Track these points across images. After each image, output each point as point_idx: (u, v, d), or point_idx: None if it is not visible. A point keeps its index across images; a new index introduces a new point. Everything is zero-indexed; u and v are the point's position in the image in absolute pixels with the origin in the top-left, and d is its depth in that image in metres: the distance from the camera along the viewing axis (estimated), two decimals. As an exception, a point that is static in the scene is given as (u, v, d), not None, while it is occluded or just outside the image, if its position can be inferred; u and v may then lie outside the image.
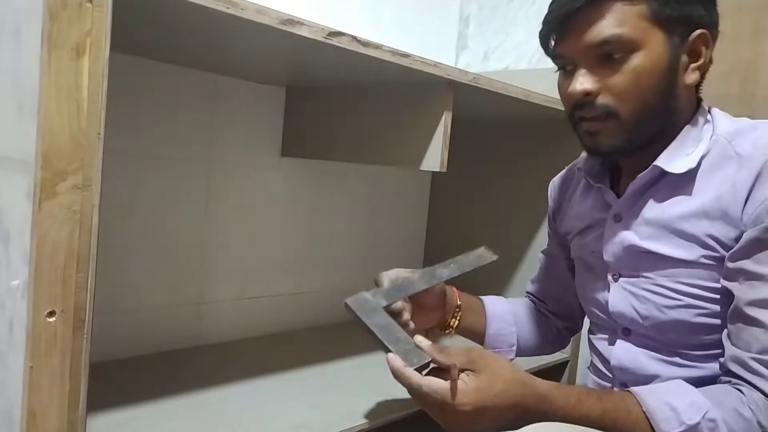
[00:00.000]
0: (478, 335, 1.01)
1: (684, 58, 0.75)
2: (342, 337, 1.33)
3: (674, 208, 0.77)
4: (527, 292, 1.11)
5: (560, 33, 0.77)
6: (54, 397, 0.55)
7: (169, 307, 1.15)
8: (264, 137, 1.26)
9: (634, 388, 0.73)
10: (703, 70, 0.78)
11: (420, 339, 0.74)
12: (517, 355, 1.02)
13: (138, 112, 1.06)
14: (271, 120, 1.27)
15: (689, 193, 0.76)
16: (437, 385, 0.69)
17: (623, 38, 0.72)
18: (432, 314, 0.93)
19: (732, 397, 0.70)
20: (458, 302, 0.97)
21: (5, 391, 0.58)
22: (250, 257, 1.28)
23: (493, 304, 1.03)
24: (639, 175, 0.79)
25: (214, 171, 1.19)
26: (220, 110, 1.18)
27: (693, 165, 0.75)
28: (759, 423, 0.68)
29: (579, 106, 0.77)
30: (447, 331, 0.98)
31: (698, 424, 0.67)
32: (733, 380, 0.72)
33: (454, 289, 0.98)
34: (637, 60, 0.72)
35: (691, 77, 0.76)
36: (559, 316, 1.06)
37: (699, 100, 0.82)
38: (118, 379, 0.98)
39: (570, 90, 0.76)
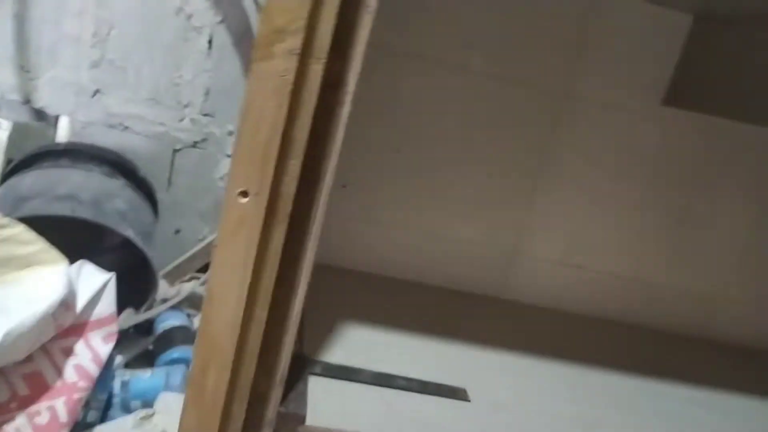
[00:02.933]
0: None
1: None
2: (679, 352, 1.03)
3: None
4: None
5: None
6: (234, 285, 0.49)
7: (482, 247, 1.05)
8: (644, 75, 0.98)
9: None
10: None
11: None
12: None
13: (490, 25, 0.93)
14: (662, 55, 0.98)
15: None
16: None
17: None
18: None
19: None
20: None
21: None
22: (586, 217, 1.06)
23: None
24: None
25: (563, 106, 0.99)
26: (592, 29, 0.95)
27: None
28: None
29: None
30: None
31: None
32: None
33: None
34: None
35: None
36: None
37: None
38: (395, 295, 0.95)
39: None
